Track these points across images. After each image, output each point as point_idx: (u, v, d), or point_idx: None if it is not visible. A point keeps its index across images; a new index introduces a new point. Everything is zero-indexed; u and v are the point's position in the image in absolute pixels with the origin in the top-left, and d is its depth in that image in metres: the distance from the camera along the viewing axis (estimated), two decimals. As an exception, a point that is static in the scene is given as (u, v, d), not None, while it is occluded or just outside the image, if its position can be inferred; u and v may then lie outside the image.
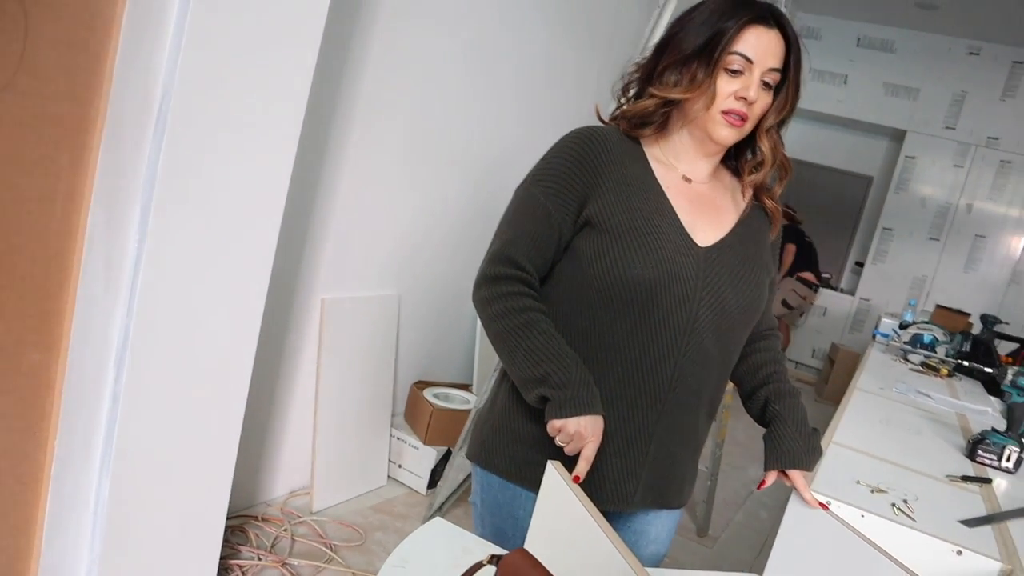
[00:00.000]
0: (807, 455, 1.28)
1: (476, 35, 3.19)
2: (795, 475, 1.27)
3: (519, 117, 3.70)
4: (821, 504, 1.25)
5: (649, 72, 1.26)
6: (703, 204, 1.27)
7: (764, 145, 1.27)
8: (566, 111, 4.00)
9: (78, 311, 1.57)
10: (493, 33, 3.30)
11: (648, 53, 1.29)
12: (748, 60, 1.18)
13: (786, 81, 1.23)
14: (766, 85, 1.21)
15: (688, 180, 1.28)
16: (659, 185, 1.25)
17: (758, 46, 1.18)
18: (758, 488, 1.31)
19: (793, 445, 1.28)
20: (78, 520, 1.68)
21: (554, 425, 1.14)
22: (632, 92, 1.31)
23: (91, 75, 1.47)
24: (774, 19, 1.20)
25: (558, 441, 1.16)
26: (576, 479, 1.06)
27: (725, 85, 1.19)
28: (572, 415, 1.13)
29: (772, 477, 1.30)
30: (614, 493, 1.25)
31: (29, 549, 1.64)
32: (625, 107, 1.30)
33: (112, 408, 1.65)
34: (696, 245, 1.22)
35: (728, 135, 1.22)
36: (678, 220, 1.23)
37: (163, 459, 1.78)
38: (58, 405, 1.60)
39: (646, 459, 1.25)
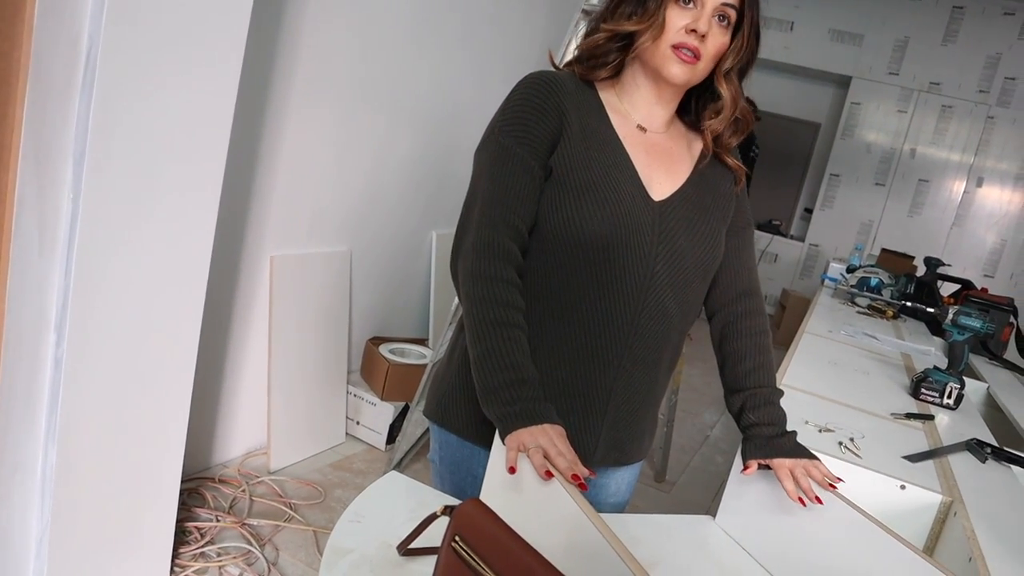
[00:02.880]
0: (788, 446, 1.20)
1: (420, -17, 3.12)
2: (778, 465, 1.18)
3: (467, 69, 3.64)
4: (818, 498, 1.13)
5: (603, 14, 1.23)
6: (659, 155, 1.25)
7: (723, 89, 1.22)
8: (513, 62, 3.94)
9: (12, 274, 1.52)
10: (438, -19, 3.22)
11: (591, 5, 1.25)
12: None
13: (743, 21, 1.19)
14: (721, 22, 1.17)
15: (643, 129, 1.25)
16: (617, 136, 1.22)
17: None
18: (742, 473, 1.22)
19: (772, 441, 1.21)
20: (25, 488, 1.64)
21: (510, 445, 1.03)
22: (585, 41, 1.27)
23: (9, 25, 1.40)
24: None
25: (523, 466, 1.01)
26: (548, 474, 0.96)
27: (675, 18, 1.15)
28: (522, 427, 1.04)
29: (753, 467, 1.21)
30: (578, 448, 1.21)
31: (-26, 519, 1.60)
32: (582, 44, 1.25)
33: (55, 373, 1.60)
34: (651, 199, 1.20)
35: (679, 72, 1.17)
36: (636, 173, 1.20)
37: (112, 423, 1.74)
38: (-4, 371, 1.55)
39: (605, 416, 1.24)
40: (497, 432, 1.06)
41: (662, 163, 1.24)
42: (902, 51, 6.84)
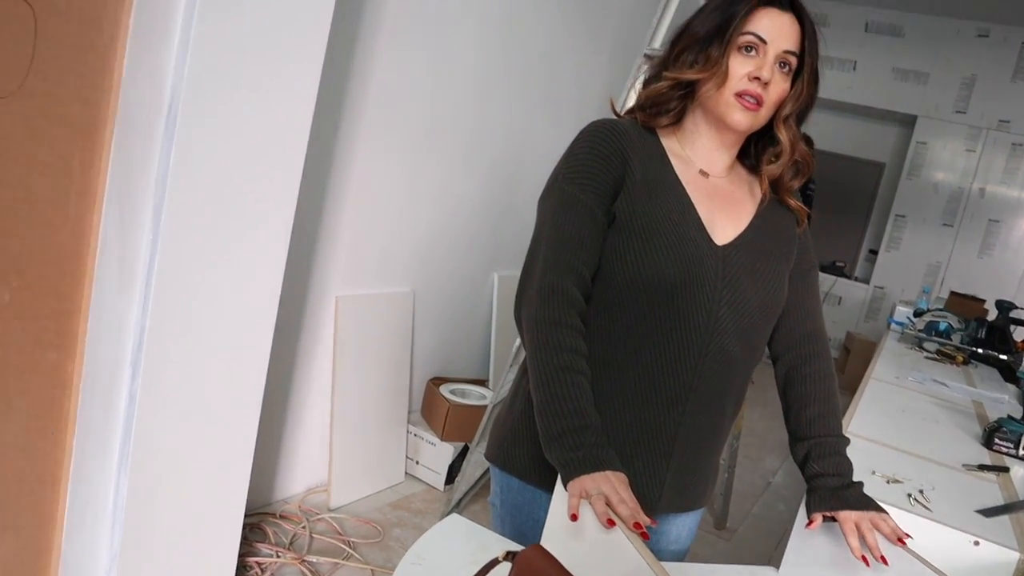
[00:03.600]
0: (854, 498, 1.18)
1: (482, 31, 3.19)
2: (843, 519, 1.16)
3: (531, 113, 3.69)
4: (883, 557, 1.11)
5: (665, 62, 1.25)
6: (721, 199, 1.25)
7: (782, 135, 1.23)
8: (575, 105, 3.99)
9: (93, 311, 1.58)
10: (499, 29, 3.29)
11: (656, 43, 1.27)
12: (761, 40, 1.16)
13: (803, 68, 1.20)
14: (782, 69, 1.18)
15: (705, 174, 1.25)
16: (679, 181, 1.22)
17: (771, 27, 1.16)
18: (807, 528, 1.20)
19: (837, 493, 1.19)
20: (97, 517, 1.69)
21: (572, 491, 1.02)
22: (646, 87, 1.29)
23: (100, 76, 1.48)
24: (789, 4, 1.19)
25: (585, 512, 1.01)
26: (610, 522, 0.95)
27: (738, 66, 1.17)
28: (585, 473, 1.03)
29: (818, 520, 1.19)
30: (638, 499, 1.20)
31: (49, 547, 1.66)
32: (646, 92, 1.27)
33: (129, 406, 1.66)
34: (715, 244, 1.20)
35: (742, 119, 1.18)
36: (698, 218, 1.20)
37: (181, 457, 1.79)
38: (75, 404, 1.61)
39: (670, 462, 1.23)
40: (559, 478, 1.07)
41: (724, 207, 1.25)
42: (969, 89, 6.71)
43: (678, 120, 1.26)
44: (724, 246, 1.21)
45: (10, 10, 1.32)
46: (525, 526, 1.28)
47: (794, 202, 1.31)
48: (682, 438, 1.22)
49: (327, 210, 2.66)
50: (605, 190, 1.18)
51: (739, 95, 1.17)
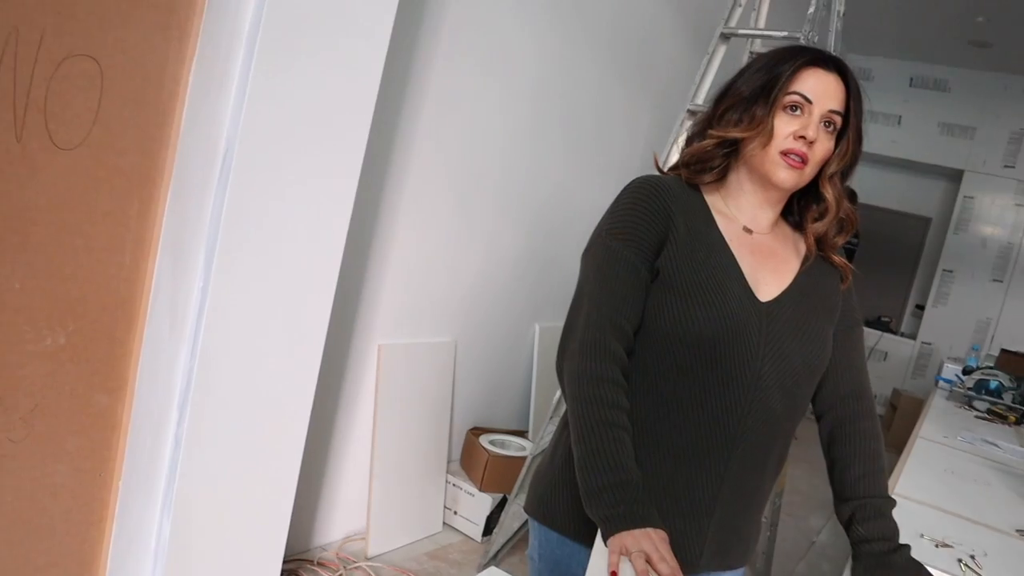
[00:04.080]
0: (901, 564, 1.16)
1: (528, 84, 3.25)
2: None
3: (574, 166, 3.74)
4: None
5: (709, 120, 1.27)
6: (764, 256, 1.25)
7: (827, 193, 1.24)
8: (618, 158, 4.03)
9: (144, 355, 1.62)
10: (545, 82, 3.35)
11: (699, 99, 1.30)
12: (807, 100, 1.17)
13: (847, 127, 1.21)
14: (827, 128, 1.19)
15: (749, 231, 1.26)
16: (723, 238, 1.23)
17: (816, 86, 1.18)
18: None
19: (884, 559, 1.17)
20: (140, 559, 1.71)
21: (612, 547, 1.02)
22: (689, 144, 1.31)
23: (159, 129, 1.54)
24: (834, 65, 1.20)
25: (624, 569, 1.00)
26: None
27: (783, 125, 1.18)
28: (625, 529, 1.03)
29: None
30: (678, 556, 1.14)
31: (93, 589, 1.68)
32: (690, 149, 1.28)
33: (174, 449, 1.69)
34: (758, 300, 1.20)
35: (787, 177, 1.19)
36: (742, 275, 1.21)
37: (222, 501, 1.81)
38: (123, 446, 1.64)
39: (711, 520, 1.21)
40: (599, 533, 1.06)
41: (768, 264, 1.25)
42: (1018, 143, 6.64)
43: (722, 177, 1.27)
44: (768, 303, 1.21)
45: (79, 67, 1.39)
46: None
47: (838, 258, 1.31)
48: (724, 496, 1.21)
49: (372, 259, 2.70)
50: (648, 246, 1.19)
51: (784, 153, 1.18)
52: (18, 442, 1.47)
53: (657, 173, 1.31)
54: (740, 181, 1.26)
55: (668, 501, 1.18)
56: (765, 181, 1.22)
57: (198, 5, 1.54)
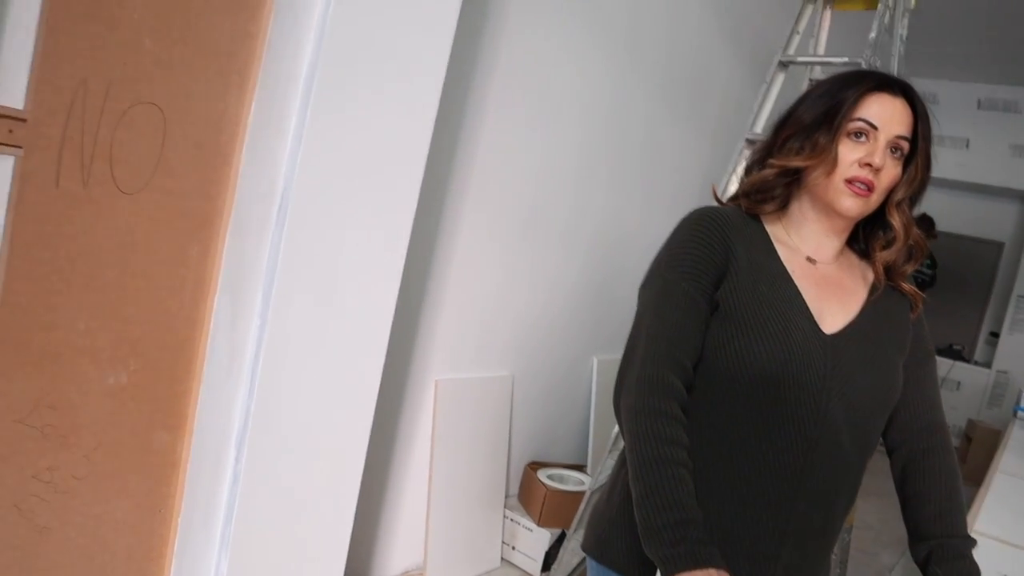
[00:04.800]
0: None
1: (584, 117, 3.25)
2: None
3: (632, 197, 3.72)
4: None
5: (769, 148, 1.25)
6: (829, 287, 1.22)
7: (895, 220, 1.20)
8: (672, 190, 3.99)
9: (203, 393, 1.65)
10: (603, 113, 3.35)
11: (757, 128, 1.27)
12: (872, 126, 1.14)
13: (915, 152, 1.17)
14: (894, 154, 1.16)
15: (813, 261, 1.23)
16: (785, 269, 1.20)
17: (882, 112, 1.15)
18: None
19: None
20: (198, 597, 1.73)
21: None
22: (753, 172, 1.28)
23: (219, 172, 1.58)
24: (900, 88, 1.17)
25: None
26: None
27: (848, 152, 1.15)
28: (686, 570, 1.00)
29: None
30: None
31: (153, 624, 1.70)
32: (751, 179, 1.26)
33: (232, 486, 1.71)
34: (823, 333, 1.16)
35: (852, 205, 1.16)
36: (806, 307, 1.17)
37: (280, 537, 1.82)
38: (183, 484, 1.67)
39: (778, 563, 1.17)
40: (659, 574, 1.03)
41: (833, 295, 1.21)
42: (1091, 162, 6.39)
43: (783, 206, 1.25)
44: (834, 335, 1.17)
45: (144, 114, 1.43)
46: None
47: (908, 286, 1.26)
48: (791, 538, 1.16)
49: (428, 294, 2.72)
50: (708, 278, 1.16)
51: (849, 181, 1.15)
52: (81, 479, 1.50)
53: (716, 204, 1.29)
54: (803, 210, 1.23)
55: (732, 544, 1.14)
56: (829, 210, 1.19)
57: (258, 51, 1.58)
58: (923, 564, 1.18)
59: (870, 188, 1.15)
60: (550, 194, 3.18)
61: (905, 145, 1.16)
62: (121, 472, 1.57)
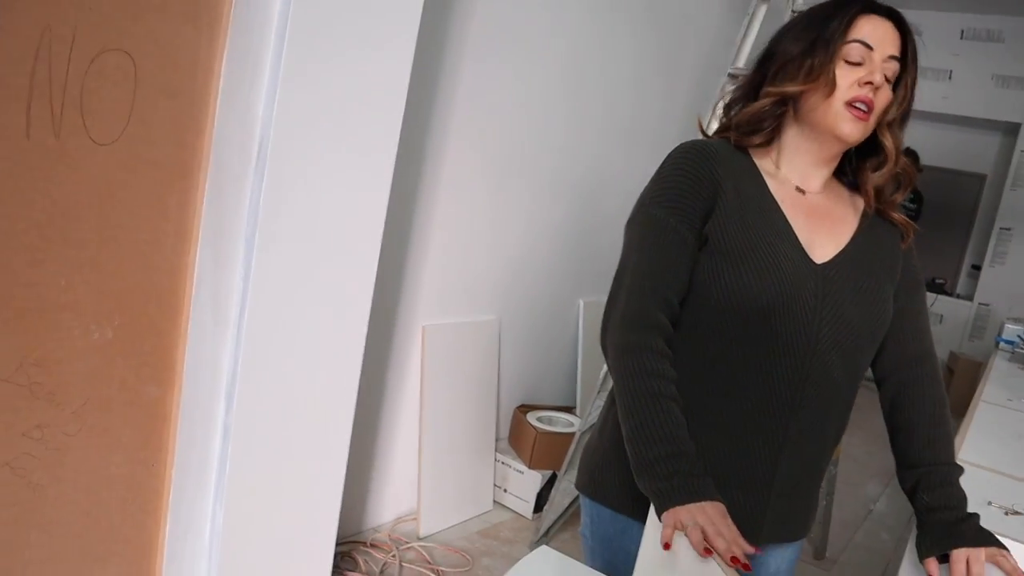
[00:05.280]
0: (970, 533, 1.10)
1: (567, 58, 3.20)
2: (956, 557, 1.08)
3: (614, 137, 3.68)
4: None
5: (756, 84, 1.23)
6: (819, 216, 1.21)
7: (887, 141, 1.19)
8: (655, 127, 3.96)
9: (190, 346, 1.64)
10: (584, 55, 3.30)
11: (740, 62, 1.25)
12: (868, 47, 1.13)
13: (904, 73, 1.17)
14: (886, 78, 1.15)
15: (802, 191, 1.22)
16: (775, 200, 1.19)
17: (875, 32, 1.13)
18: None
19: (951, 529, 1.12)
20: (195, 546, 1.74)
21: (666, 522, 1.00)
22: (736, 109, 1.26)
23: (194, 121, 1.54)
24: (885, 11, 1.16)
25: (679, 543, 0.99)
26: (707, 552, 0.94)
27: (846, 75, 1.14)
28: (680, 503, 1.00)
29: (933, 567, 1.11)
30: (742, 526, 1.14)
31: (152, 572, 1.71)
32: (735, 113, 1.24)
33: (224, 438, 1.71)
34: (813, 262, 1.16)
35: (854, 130, 1.14)
36: (795, 237, 1.17)
37: (273, 487, 1.83)
38: (174, 437, 1.67)
39: (771, 491, 1.18)
40: (652, 508, 1.04)
41: (823, 225, 1.21)
42: (1078, 92, 6.38)
43: (771, 139, 1.23)
44: (823, 264, 1.17)
45: (113, 62, 1.39)
46: (616, 558, 1.25)
47: (898, 216, 1.26)
48: (783, 466, 1.18)
49: (413, 241, 2.70)
50: (695, 212, 1.15)
51: (849, 104, 1.14)
52: (73, 435, 1.50)
53: (703, 138, 1.27)
54: (794, 140, 1.21)
55: (726, 473, 1.15)
56: (827, 136, 1.17)
57: (227, -7, 1.54)
58: (911, 492, 1.20)
59: (869, 109, 1.14)
60: (531, 136, 3.14)
61: (896, 66, 1.16)
62: (112, 427, 1.56)
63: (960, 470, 1.19)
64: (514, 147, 3.06)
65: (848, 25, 1.14)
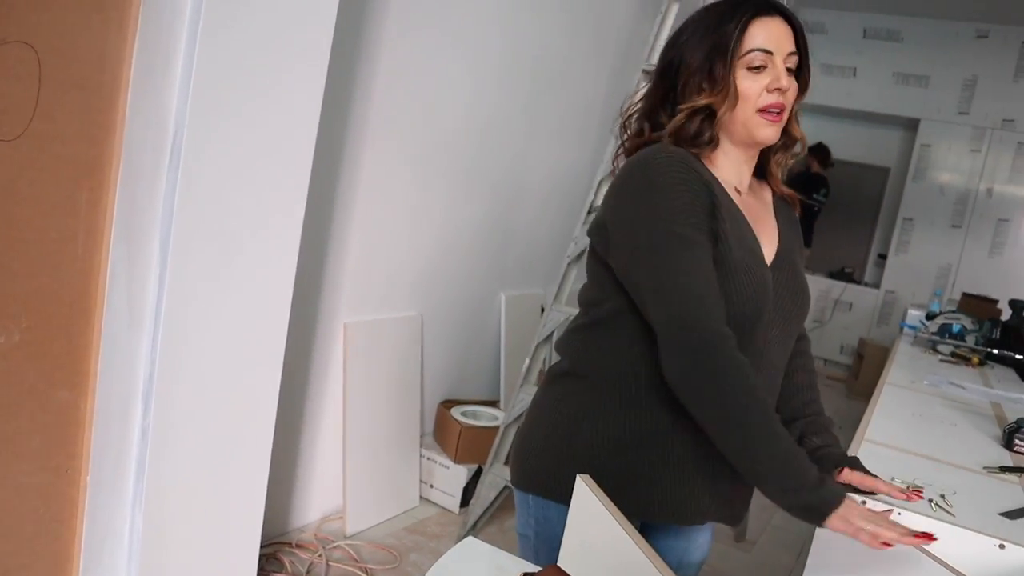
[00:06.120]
0: (860, 467, 1.24)
1: (487, 55, 3.21)
2: (847, 476, 1.22)
3: (528, 131, 3.70)
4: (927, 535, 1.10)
5: (662, 95, 1.24)
6: (754, 216, 1.25)
7: (796, 131, 1.25)
8: (575, 125, 4.00)
9: (103, 348, 1.59)
10: (500, 49, 3.31)
11: (653, 59, 1.28)
12: (767, 52, 1.16)
13: (801, 62, 1.21)
14: (789, 71, 1.19)
15: (739, 193, 1.25)
16: (737, 206, 1.22)
17: (770, 36, 1.16)
18: (839, 475, 1.23)
19: (837, 459, 1.25)
20: (114, 554, 1.69)
21: (840, 529, 1.06)
22: (635, 127, 1.28)
23: (104, 115, 1.49)
24: (773, 8, 1.19)
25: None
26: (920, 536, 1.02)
27: (752, 84, 1.16)
28: (823, 519, 1.06)
29: (846, 473, 1.22)
30: (698, 508, 1.22)
31: (67, 586, 1.66)
32: (669, 128, 1.22)
33: (142, 442, 1.66)
34: (766, 265, 1.21)
35: (772, 133, 1.19)
36: (757, 242, 1.21)
37: (195, 490, 1.79)
38: (88, 442, 1.61)
39: (721, 475, 1.22)
40: (577, 493, 1.04)
41: (758, 224, 1.26)
42: (971, 90, 6.71)
43: (712, 144, 1.23)
44: (771, 266, 1.23)
45: (15, 54, 1.34)
46: None
47: (788, 190, 1.34)
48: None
49: (332, 238, 2.67)
50: (706, 227, 1.14)
51: (763, 111, 1.17)
52: (-22, 444, 1.44)
53: (665, 147, 1.22)
54: (726, 144, 1.24)
55: (684, 460, 1.20)
56: (748, 141, 1.21)
57: (135, -16, 1.49)
58: (799, 439, 1.30)
59: (782, 110, 1.18)
60: (450, 133, 3.14)
61: (795, 58, 1.20)
62: (20, 434, 1.50)
63: (833, 422, 1.34)
64: (434, 143, 3.06)
65: (742, 33, 1.16)
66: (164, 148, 1.56)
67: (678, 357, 1.10)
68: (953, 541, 1.38)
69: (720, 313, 1.11)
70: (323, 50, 1.81)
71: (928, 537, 1.00)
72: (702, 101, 1.18)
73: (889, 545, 1.00)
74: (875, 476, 1.20)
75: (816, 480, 1.07)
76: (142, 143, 1.54)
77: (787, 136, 1.26)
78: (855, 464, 1.23)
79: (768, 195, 1.32)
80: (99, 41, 1.45)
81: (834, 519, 1.04)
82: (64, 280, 1.50)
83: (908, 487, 1.37)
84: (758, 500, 1.22)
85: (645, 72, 2.75)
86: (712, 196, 1.16)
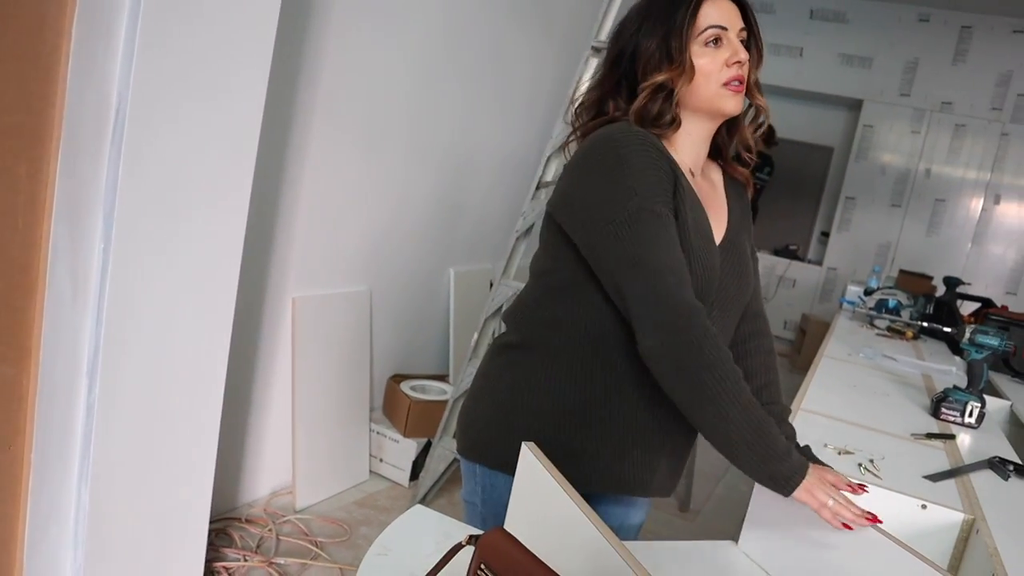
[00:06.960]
0: (811, 458, 1.25)
1: (427, 29, 3.19)
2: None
3: (476, 105, 3.70)
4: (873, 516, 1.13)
5: (613, 86, 1.26)
6: (705, 196, 1.28)
7: (759, 101, 1.28)
8: (522, 100, 4.01)
9: (46, 322, 1.57)
10: (444, 25, 3.30)
11: (603, 35, 1.29)
12: (722, 28, 1.19)
13: (751, 35, 1.25)
14: (744, 44, 1.22)
15: (693, 175, 1.27)
16: (693, 188, 1.24)
17: (722, 13, 1.20)
18: None
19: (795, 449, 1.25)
20: (59, 531, 1.68)
21: (804, 500, 1.11)
22: (589, 114, 1.29)
23: (44, 85, 1.46)
24: None
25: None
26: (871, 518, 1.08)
27: (711, 60, 1.19)
28: (792, 490, 1.11)
29: None
30: (637, 481, 1.28)
31: (11, 562, 1.64)
32: (633, 108, 1.23)
33: (87, 418, 1.64)
34: (717, 251, 1.24)
35: (736, 104, 1.22)
36: (709, 224, 1.24)
37: (142, 466, 1.78)
38: (32, 417, 1.60)
39: (663, 449, 1.28)
40: (522, 461, 1.07)
41: (710, 205, 1.28)
42: (912, 72, 6.88)
43: (672, 127, 1.24)
44: (719, 247, 1.26)
45: (-53, 21, 1.31)
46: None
47: (742, 170, 1.36)
48: (673, 428, 1.27)
49: (280, 212, 2.65)
50: (672, 203, 1.17)
51: (727, 83, 1.20)
52: (-83, 420, 1.41)
53: (626, 126, 1.23)
54: (686, 124, 1.25)
55: (629, 435, 1.24)
56: (712, 115, 1.24)
57: (75, -49, 1.46)
58: None
59: (743, 81, 1.21)
60: (398, 108, 3.12)
61: (745, 34, 1.23)
62: (-39, 409, 1.48)
63: (789, 410, 1.36)
64: (381, 117, 3.04)
65: (695, 13, 1.19)
66: (107, 119, 1.53)
67: (656, 330, 1.12)
68: (878, 502, 1.44)
69: (690, 287, 1.14)
70: (271, 21, 1.79)
71: (875, 519, 1.07)
72: (660, 78, 1.20)
73: (849, 527, 1.07)
74: (827, 466, 1.21)
75: (785, 450, 1.11)
76: (84, 114, 1.51)
77: (752, 107, 1.29)
78: (807, 454, 1.25)
79: (718, 177, 1.35)
80: (37, 8, 1.42)
81: (801, 491, 1.10)
82: (5, 253, 1.48)
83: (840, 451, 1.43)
84: (700, 470, 1.27)
85: (595, 48, 2.77)
86: (675, 177, 1.18)
